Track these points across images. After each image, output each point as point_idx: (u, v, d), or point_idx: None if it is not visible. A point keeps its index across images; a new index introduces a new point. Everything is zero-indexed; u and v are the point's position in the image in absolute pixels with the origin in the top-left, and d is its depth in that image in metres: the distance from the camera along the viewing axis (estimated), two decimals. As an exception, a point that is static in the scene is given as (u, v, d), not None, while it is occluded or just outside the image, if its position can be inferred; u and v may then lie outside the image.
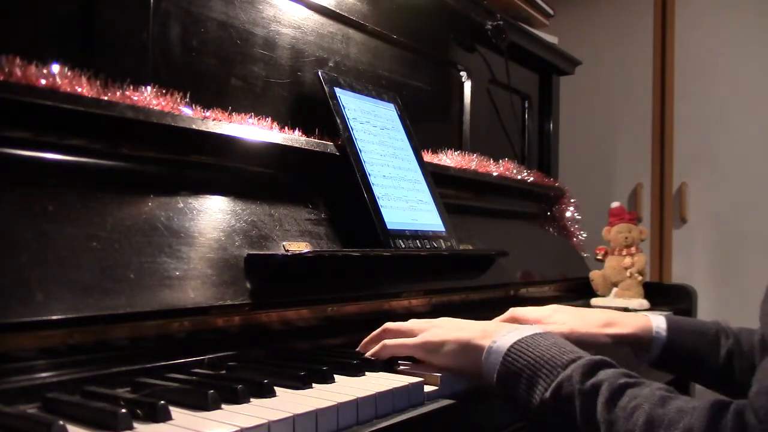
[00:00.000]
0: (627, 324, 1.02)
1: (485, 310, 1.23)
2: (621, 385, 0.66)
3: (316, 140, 1.15)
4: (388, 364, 0.87)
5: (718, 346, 1.00)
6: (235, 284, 0.88)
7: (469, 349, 0.81)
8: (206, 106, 1.00)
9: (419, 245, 1.20)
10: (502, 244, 1.51)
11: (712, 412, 0.59)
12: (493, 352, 0.78)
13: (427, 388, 0.80)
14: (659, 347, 1.01)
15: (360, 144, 1.20)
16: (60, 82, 0.80)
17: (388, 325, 0.92)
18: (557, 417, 0.70)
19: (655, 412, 0.62)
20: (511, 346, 0.77)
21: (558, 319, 1.05)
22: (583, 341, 1.00)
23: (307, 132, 1.16)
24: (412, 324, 0.91)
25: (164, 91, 0.94)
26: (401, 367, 0.86)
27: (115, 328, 0.76)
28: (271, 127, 1.10)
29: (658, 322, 1.02)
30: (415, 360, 0.89)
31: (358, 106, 1.26)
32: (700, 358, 1.00)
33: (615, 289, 1.73)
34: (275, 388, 0.71)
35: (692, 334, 1.01)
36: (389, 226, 1.15)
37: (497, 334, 0.80)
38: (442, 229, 1.30)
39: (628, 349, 1.07)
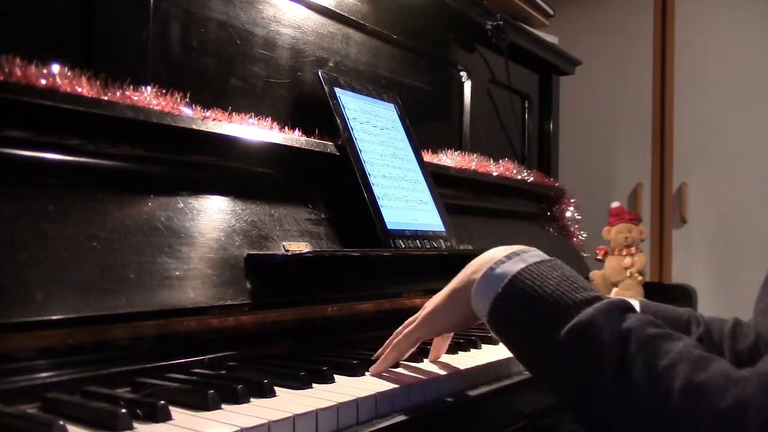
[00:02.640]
0: None
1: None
2: (650, 336, 0.61)
3: (316, 140, 1.15)
4: None
5: (688, 332, 0.99)
6: (235, 284, 0.88)
7: (456, 292, 0.78)
8: (206, 106, 1.00)
9: (419, 245, 1.20)
10: (502, 244, 1.50)
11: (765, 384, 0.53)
12: (491, 279, 0.72)
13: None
14: None
15: (360, 144, 1.20)
16: (60, 82, 0.80)
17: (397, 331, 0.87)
18: (573, 362, 0.64)
19: (696, 376, 0.56)
20: (515, 275, 0.70)
21: None
22: None
23: (307, 132, 1.16)
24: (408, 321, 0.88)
25: (164, 91, 0.94)
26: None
27: (115, 328, 0.76)
28: (271, 127, 1.10)
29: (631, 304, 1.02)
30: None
31: (358, 106, 1.26)
32: None
33: (615, 289, 1.73)
34: (275, 388, 0.71)
35: (664, 318, 0.99)
36: (389, 226, 1.15)
37: (493, 260, 0.74)
38: (442, 229, 1.30)
39: None
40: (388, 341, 0.87)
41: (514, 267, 0.72)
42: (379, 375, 0.82)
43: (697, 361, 0.57)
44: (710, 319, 1.00)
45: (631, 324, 0.62)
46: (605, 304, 0.65)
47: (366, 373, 0.83)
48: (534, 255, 0.74)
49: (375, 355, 0.87)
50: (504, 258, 0.74)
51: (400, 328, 0.87)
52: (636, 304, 1.01)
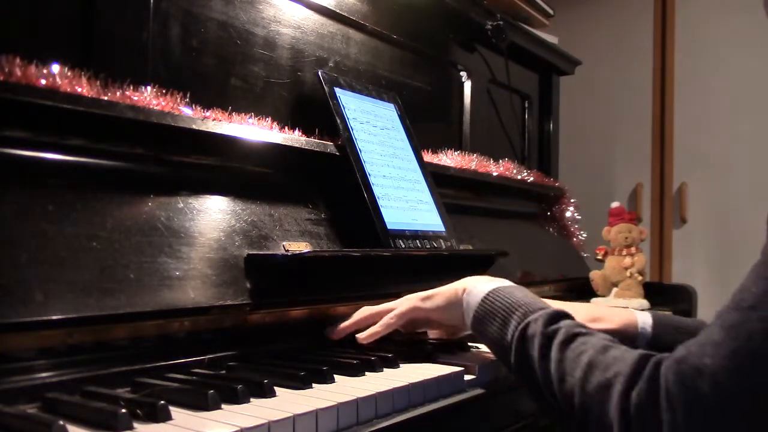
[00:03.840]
0: (613, 320, 1.03)
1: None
2: (575, 333, 0.74)
3: (316, 140, 1.15)
4: (389, 361, 0.87)
5: None
6: (235, 284, 0.88)
7: (453, 296, 0.92)
8: (206, 106, 1.00)
9: (419, 245, 1.20)
10: (502, 244, 1.51)
11: (638, 360, 0.65)
12: (473, 294, 0.89)
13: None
14: (644, 343, 1.01)
15: (360, 144, 1.20)
16: (60, 82, 0.80)
17: (365, 310, 0.99)
18: (519, 353, 0.78)
19: (597, 357, 0.69)
20: (490, 291, 0.87)
21: None
22: None
23: (307, 132, 1.16)
24: (385, 304, 0.98)
25: (164, 91, 0.94)
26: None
27: (115, 328, 0.76)
28: (271, 127, 1.10)
29: (643, 318, 1.03)
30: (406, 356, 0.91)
31: (358, 106, 1.26)
32: None
33: (615, 289, 1.73)
34: (275, 388, 0.71)
35: (677, 330, 1.01)
36: (389, 226, 1.15)
37: (479, 282, 0.91)
38: (442, 229, 1.30)
39: None
40: (354, 321, 0.98)
41: (488, 286, 0.89)
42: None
43: (601, 347, 0.70)
44: None
45: (565, 323, 0.76)
46: (551, 310, 0.80)
47: (366, 373, 0.83)
48: (506, 281, 0.91)
49: (338, 331, 0.98)
50: (485, 280, 0.91)
51: (376, 309, 0.98)
52: (648, 316, 1.02)
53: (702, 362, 0.59)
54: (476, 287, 0.89)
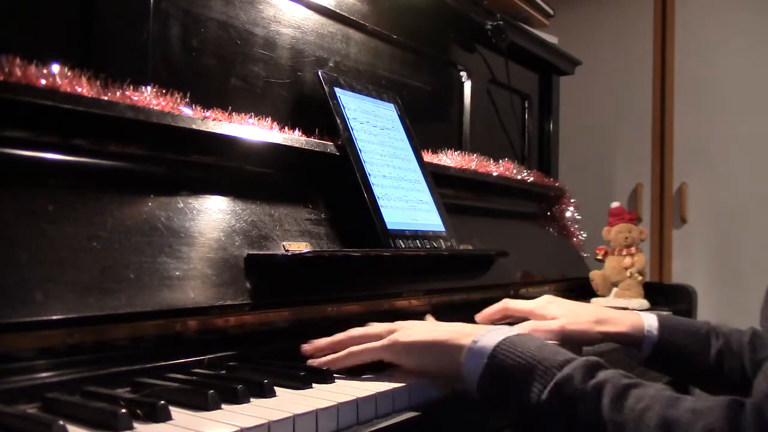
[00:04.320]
0: (619, 322, 1.03)
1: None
2: (625, 386, 0.65)
3: (316, 140, 1.15)
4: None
5: (708, 345, 1.00)
6: (235, 284, 0.88)
7: (448, 348, 0.77)
8: (206, 106, 1.00)
9: (419, 245, 1.20)
10: (502, 244, 1.50)
11: (730, 411, 0.59)
12: (476, 351, 0.74)
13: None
14: (650, 346, 1.01)
15: (360, 144, 1.20)
16: (60, 82, 0.80)
17: (352, 331, 0.86)
18: (555, 419, 0.67)
19: (669, 413, 0.61)
20: (498, 345, 0.73)
21: (551, 311, 1.05)
22: (574, 337, 1.00)
23: (307, 132, 1.16)
24: (375, 327, 0.86)
25: (164, 91, 0.94)
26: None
27: (115, 328, 0.76)
28: (271, 127, 1.10)
29: (649, 320, 1.03)
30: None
31: (358, 106, 1.26)
32: (691, 357, 1.01)
33: (615, 289, 1.73)
34: (275, 388, 0.71)
35: (683, 333, 1.01)
36: (389, 226, 1.15)
37: (477, 333, 0.77)
38: (442, 229, 1.30)
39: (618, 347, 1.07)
40: (337, 340, 0.85)
41: (494, 339, 0.74)
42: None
43: (668, 400, 0.62)
44: (729, 330, 1.01)
45: (607, 375, 0.67)
46: (582, 361, 0.69)
47: (367, 373, 0.83)
48: (509, 330, 0.78)
49: (311, 348, 0.86)
50: (483, 331, 0.77)
51: (355, 332, 0.86)
52: (654, 319, 1.02)
53: None
54: (479, 340, 0.76)
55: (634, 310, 1.50)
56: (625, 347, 1.06)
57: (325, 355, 0.84)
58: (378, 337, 0.83)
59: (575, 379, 0.67)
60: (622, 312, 1.08)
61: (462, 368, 0.75)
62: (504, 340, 0.74)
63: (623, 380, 0.66)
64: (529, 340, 0.74)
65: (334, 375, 0.79)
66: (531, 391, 0.69)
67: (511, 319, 1.12)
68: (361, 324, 0.91)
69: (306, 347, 0.86)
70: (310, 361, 0.83)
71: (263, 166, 1.07)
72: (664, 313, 1.13)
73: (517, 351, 0.72)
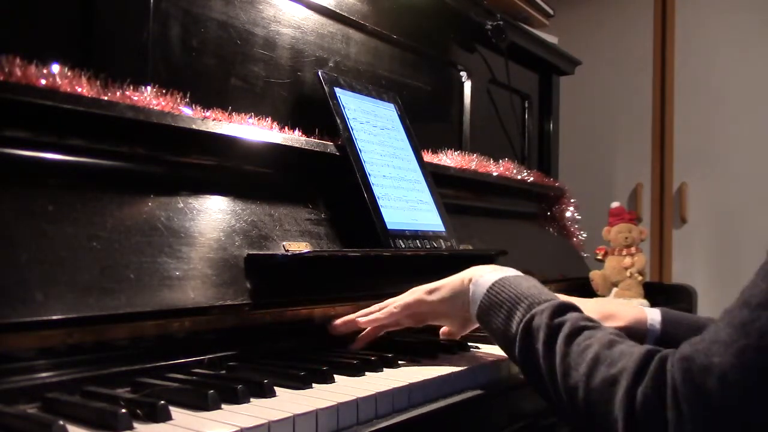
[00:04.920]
0: (622, 316, 1.03)
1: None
2: (581, 327, 0.74)
3: (316, 140, 1.15)
4: (389, 361, 0.87)
5: None
6: (235, 284, 0.88)
7: (457, 286, 0.91)
8: (206, 106, 1.00)
9: (419, 245, 1.20)
10: (502, 244, 1.50)
11: (644, 356, 0.65)
12: (479, 284, 0.87)
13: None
14: (653, 340, 1.01)
15: (360, 144, 1.20)
16: (60, 82, 0.80)
17: (373, 306, 0.99)
18: (524, 345, 0.77)
19: (602, 352, 0.68)
20: (496, 281, 0.86)
21: None
22: None
23: (307, 132, 1.16)
24: (389, 300, 0.98)
25: (164, 91, 0.94)
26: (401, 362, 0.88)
27: (115, 328, 0.76)
28: (271, 127, 1.10)
29: (652, 314, 1.03)
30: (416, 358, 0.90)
31: (358, 106, 1.26)
32: None
33: (615, 289, 1.73)
34: (275, 388, 0.71)
35: (686, 327, 1.01)
36: (389, 226, 1.15)
37: (484, 272, 0.89)
38: (442, 229, 1.30)
39: None
40: (364, 311, 0.98)
41: (494, 276, 0.87)
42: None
43: (607, 342, 0.70)
44: None
45: (571, 316, 0.76)
46: (557, 302, 0.79)
47: (366, 373, 0.83)
48: (513, 270, 0.90)
49: (341, 323, 0.98)
50: (490, 269, 0.90)
51: (381, 306, 0.98)
52: (657, 313, 1.02)
53: (710, 361, 0.59)
54: (482, 277, 0.88)
55: (635, 308, 1.51)
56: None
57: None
58: (395, 302, 0.96)
59: (545, 314, 0.77)
60: (625, 305, 1.09)
61: (469, 301, 0.89)
62: (501, 278, 0.86)
63: (581, 322, 0.75)
64: (524, 280, 0.86)
65: (334, 375, 0.79)
66: (513, 321, 0.80)
67: None
68: None
69: (333, 327, 0.98)
70: (359, 321, 0.96)
71: (263, 166, 1.07)
72: (664, 308, 1.13)
73: (510, 288, 0.84)
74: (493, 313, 0.84)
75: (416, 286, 1.22)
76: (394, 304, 0.96)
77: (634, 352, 0.67)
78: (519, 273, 0.89)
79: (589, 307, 1.04)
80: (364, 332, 0.97)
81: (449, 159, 1.56)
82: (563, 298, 0.94)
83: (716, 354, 0.59)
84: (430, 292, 0.95)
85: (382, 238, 1.13)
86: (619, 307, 1.06)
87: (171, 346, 0.82)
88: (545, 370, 0.74)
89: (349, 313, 1.00)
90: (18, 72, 0.76)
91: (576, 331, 0.73)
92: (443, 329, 1.05)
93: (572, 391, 0.69)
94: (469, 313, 0.90)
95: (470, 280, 0.90)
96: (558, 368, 0.71)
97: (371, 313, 0.97)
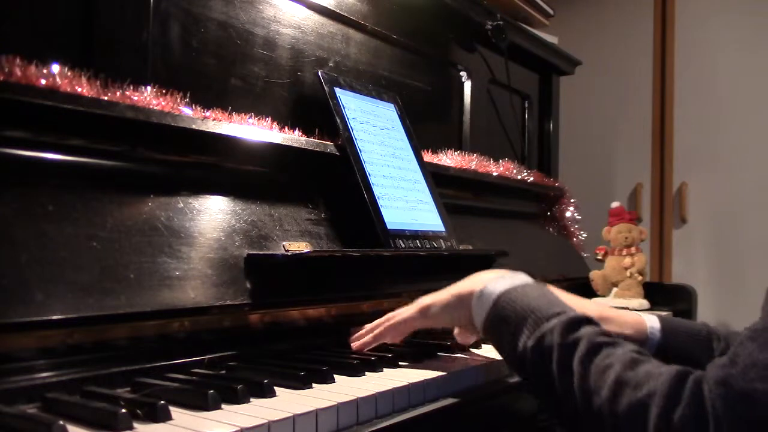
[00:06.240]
0: (621, 323, 1.00)
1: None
2: (598, 343, 0.69)
3: (316, 140, 1.15)
4: (390, 361, 0.87)
5: (710, 348, 0.99)
6: (235, 284, 0.88)
7: (461, 298, 0.85)
8: (206, 106, 1.00)
9: (419, 245, 1.20)
10: (502, 244, 1.50)
11: (675, 379, 0.61)
12: (484, 297, 0.81)
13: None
14: (653, 347, 1.00)
15: (360, 144, 1.20)
16: (60, 82, 0.80)
17: (387, 315, 0.95)
18: (536, 365, 0.72)
19: (625, 373, 0.64)
20: (501, 293, 0.80)
21: None
22: None
23: (307, 132, 1.16)
24: (400, 308, 0.94)
25: (164, 91, 0.94)
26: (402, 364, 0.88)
27: (115, 328, 0.76)
28: (271, 127, 1.10)
29: (651, 321, 1.01)
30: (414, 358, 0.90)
31: (358, 106, 1.26)
32: (693, 359, 0.99)
33: (615, 289, 1.73)
34: (275, 388, 0.71)
35: (685, 334, 1.00)
36: (389, 226, 1.15)
37: (488, 280, 0.83)
38: (442, 229, 1.30)
39: None
40: (375, 323, 0.94)
41: (500, 286, 0.81)
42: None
43: (629, 361, 0.65)
44: (726, 333, 1.00)
45: (586, 331, 0.71)
46: (569, 316, 0.73)
47: (366, 373, 0.83)
48: (520, 277, 0.84)
49: (357, 335, 0.95)
50: (495, 278, 0.84)
51: (390, 315, 0.93)
52: (656, 321, 1.01)
53: (752, 387, 0.57)
54: (486, 288, 0.82)
55: (634, 310, 1.50)
56: None
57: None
58: (404, 312, 0.92)
59: (556, 332, 0.71)
60: (623, 312, 1.05)
61: (472, 313, 0.83)
62: (508, 289, 0.80)
63: (599, 338, 0.70)
64: (532, 290, 0.80)
65: (334, 375, 0.79)
66: (520, 339, 0.75)
67: None
68: (361, 323, 0.94)
69: (353, 338, 0.96)
70: (357, 345, 0.93)
71: (263, 166, 1.07)
72: (663, 313, 1.12)
73: (517, 299, 0.78)
74: (500, 330, 0.78)
75: (416, 286, 1.22)
76: (396, 318, 0.91)
77: (662, 373, 0.63)
78: (526, 279, 0.84)
79: (589, 309, 1.03)
80: (364, 340, 0.94)
81: (449, 159, 1.56)
82: (575, 301, 0.92)
83: (756, 379, 0.57)
84: (423, 310, 0.89)
85: (382, 238, 1.13)
86: (617, 314, 1.03)
87: (171, 346, 0.82)
88: (561, 393, 0.69)
89: (348, 313, 1.00)
90: (18, 72, 0.76)
91: (593, 350, 0.68)
92: (456, 331, 1.01)
93: (596, 416, 0.65)
94: (473, 325, 0.85)
95: (472, 293, 0.84)
96: (576, 392, 0.67)
97: (377, 327, 0.93)
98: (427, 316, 0.89)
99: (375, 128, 1.27)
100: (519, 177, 1.78)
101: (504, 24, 1.77)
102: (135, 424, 0.58)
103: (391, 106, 1.38)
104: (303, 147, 1.11)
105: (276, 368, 0.82)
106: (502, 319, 0.78)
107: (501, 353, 0.81)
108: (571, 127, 2.59)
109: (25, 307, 0.67)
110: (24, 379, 0.67)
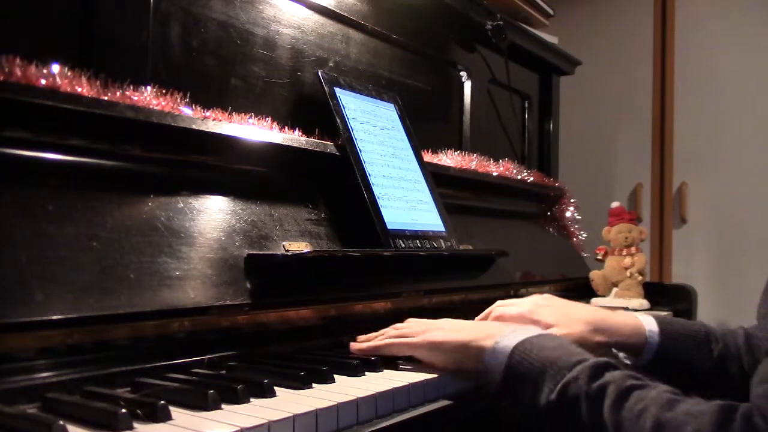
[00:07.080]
0: (619, 329, 0.99)
1: (485, 309, 1.23)
2: (628, 387, 0.66)
3: (316, 140, 1.15)
4: (390, 362, 0.87)
5: (709, 350, 0.98)
6: (235, 284, 0.88)
7: (471, 349, 0.82)
8: (206, 106, 1.00)
9: (419, 245, 1.20)
10: (502, 244, 1.50)
11: (720, 416, 0.59)
12: (498, 352, 0.78)
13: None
14: (652, 351, 0.98)
15: (360, 144, 1.20)
16: (60, 82, 0.80)
17: (395, 326, 0.94)
18: (563, 418, 0.69)
19: (663, 415, 0.62)
20: (516, 347, 0.77)
21: (543, 316, 1.00)
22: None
23: (307, 132, 1.16)
24: (413, 325, 0.92)
25: (164, 91, 0.94)
26: (403, 366, 0.87)
27: (115, 328, 0.76)
28: (271, 127, 1.10)
29: (649, 324, 1.00)
30: (415, 360, 0.89)
31: (358, 106, 1.26)
32: (692, 361, 0.98)
33: (615, 289, 1.73)
34: (275, 388, 0.71)
35: (684, 336, 0.99)
36: (389, 226, 1.15)
37: (500, 334, 0.80)
38: (442, 229, 1.30)
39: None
40: (382, 336, 0.92)
41: (514, 340, 0.78)
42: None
43: (666, 402, 0.63)
44: (722, 333, 1.00)
45: (613, 377, 0.68)
46: (591, 363, 0.71)
47: (366, 373, 0.83)
48: (530, 329, 0.82)
49: (362, 338, 0.94)
50: (508, 332, 0.81)
51: (401, 326, 0.92)
52: (654, 323, 1.00)
53: None
54: (499, 343, 0.79)
55: (634, 310, 1.50)
56: (626, 353, 1.02)
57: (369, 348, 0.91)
58: (411, 334, 0.89)
59: (581, 380, 0.69)
60: (619, 315, 1.03)
61: (485, 369, 0.80)
62: (522, 341, 0.77)
63: (627, 381, 0.67)
64: (547, 340, 0.77)
65: (334, 375, 0.79)
66: (542, 392, 0.72)
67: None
68: (361, 323, 0.94)
69: (359, 339, 0.95)
70: (356, 347, 0.92)
71: (263, 166, 1.07)
72: (661, 314, 1.12)
73: (533, 352, 0.75)
74: (518, 384, 0.74)
75: (416, 286, 1.22)
76: (407, 341, 0.88)
77: (704, 411, 0.60)
78: (536, 331, 0.81)
79: (581, 317, 1.00)
80: (362, 347, 0.93)
81: (449, 159, 1.56)
82: (573, 306, 0.91)
83: None
84: (433, 347, 0.86)
85: (382, 238, 1.13)
86: (613, 318, 1.01)
87: (171, 346, 0.82)
88: None
89: (349, 314, 1.00)
90: (18, 72, 0.76)
91: (623, 395, 0.65)
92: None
93: None
94: (484, 373, 0.81)
95: (485, 349, 0.80)
96: None
97: (382, 340, 0.92)
98: (434, 353, 0.86)
99: (375, 128, 1.27)
100: (519, 177, 1.78)
101: (504, 24, 1.77)
102: (135, 424, 0.58)
103: (391, 106, 1.38)
104: (303, 147, 1.11)
105: (276, 368, 0.82)
106: (521, 374, 0.75)
107: (521, 409, 0.77)
108: (571, 127, 2.59)
109: (25, 307, 0.67)
110: (24, 379, 0.67)
